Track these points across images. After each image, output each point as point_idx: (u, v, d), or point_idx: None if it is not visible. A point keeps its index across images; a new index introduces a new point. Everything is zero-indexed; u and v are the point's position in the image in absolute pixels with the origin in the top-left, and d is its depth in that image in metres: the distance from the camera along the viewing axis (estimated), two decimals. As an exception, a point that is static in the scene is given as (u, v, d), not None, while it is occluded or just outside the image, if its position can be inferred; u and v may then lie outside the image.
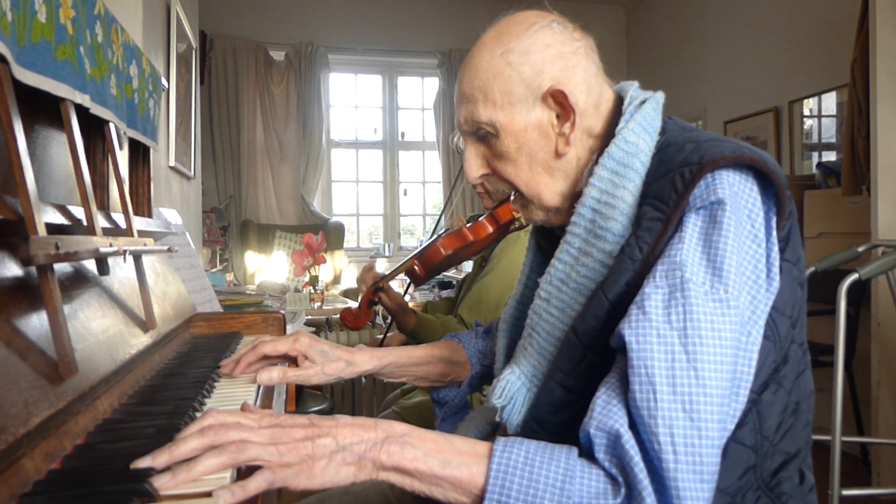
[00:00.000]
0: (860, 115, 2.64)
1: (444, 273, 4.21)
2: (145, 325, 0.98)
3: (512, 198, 0.87)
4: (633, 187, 0.74)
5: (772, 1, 3.82)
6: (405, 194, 5.38)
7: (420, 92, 5.44)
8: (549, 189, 0.81)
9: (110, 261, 0.86)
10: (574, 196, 0.80)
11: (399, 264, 1.78)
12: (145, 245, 1.03)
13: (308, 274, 3.15)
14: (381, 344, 2.09)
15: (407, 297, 1.88)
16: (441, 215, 2.71)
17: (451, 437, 0.67)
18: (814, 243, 3.04)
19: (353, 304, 1.95)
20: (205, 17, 4.17)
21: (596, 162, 0.77)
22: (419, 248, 1.76)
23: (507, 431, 0.81)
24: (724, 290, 0.64)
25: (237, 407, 0.72)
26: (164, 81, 1.46)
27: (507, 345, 0.95)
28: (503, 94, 0.78)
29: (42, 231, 0.66)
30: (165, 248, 1.17)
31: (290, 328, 1.66)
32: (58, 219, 0.77)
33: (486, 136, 0.81)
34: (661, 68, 5.04)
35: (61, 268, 0.79)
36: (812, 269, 2.11)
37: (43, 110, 0.86)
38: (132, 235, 1.03)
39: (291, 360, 1.01)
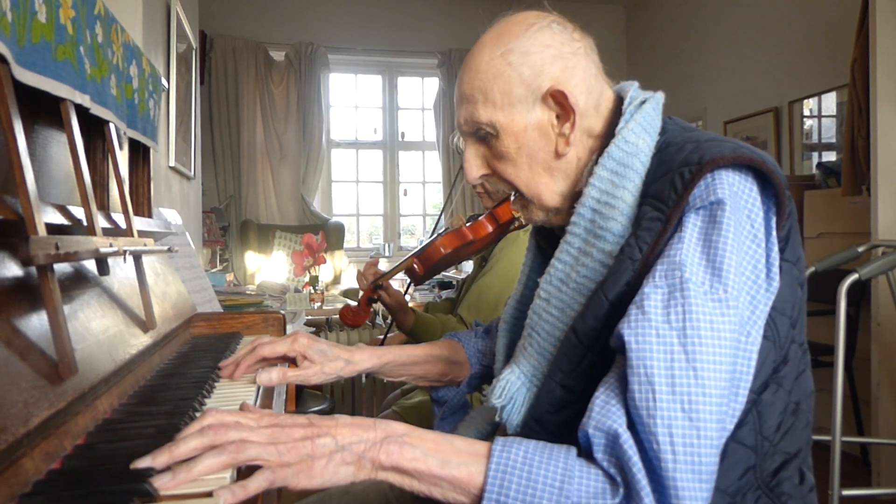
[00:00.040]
0: (860, 115, 2.64)
1: (444, 273, 4.22)
2: (145, 325, 0.99)
3: (512, 198, 0.87)
4: (633, 187, 0.74)
5: (772, 1, 3.82)
6: (405, 194, 5.38)
7: (420, 92, 5.44)
8: (549, 189, 0.81)
9: (110, 261, 0.86)
10: (574, 196, 0.80)
11: (399, 262, 1.78)
12: (145, 245, 1.03)
13: (308, 274, 3.16)
14: (381, 344, 2.09)
15: (407, 298, 1.88)
16: (441, 214, 2.71)
17: (451, 436, 0.67)
18: (814, 243, 3.04)
19: (353, 303, 1.96)
20: (205, 17, 4.17)
21: (596, 162, 0.77)
22: (419, 247, 1.76)
23: (507, 431, 0.81)
24: (723, 290, 0.64)
25: (237, 407, 0.72)
26: (164, 81, 1.46)
27: (507, 345, 0.95)
28: (503, 94, 0.78)
29: (42, 231, 0.66)
30: (165, 248, 1.17)
31: (290, 328, 1.66)
32: (58, 219, 0.77)
33: (486, 137, 0.81)
34: (661, 68, 5.04)
35: (61, 268, 0.79)
36: (812, 269, 2.11)
37: (43, 110, 0.86)
38: (132, 235, 1.03)
39: (291, 361, 1.01)
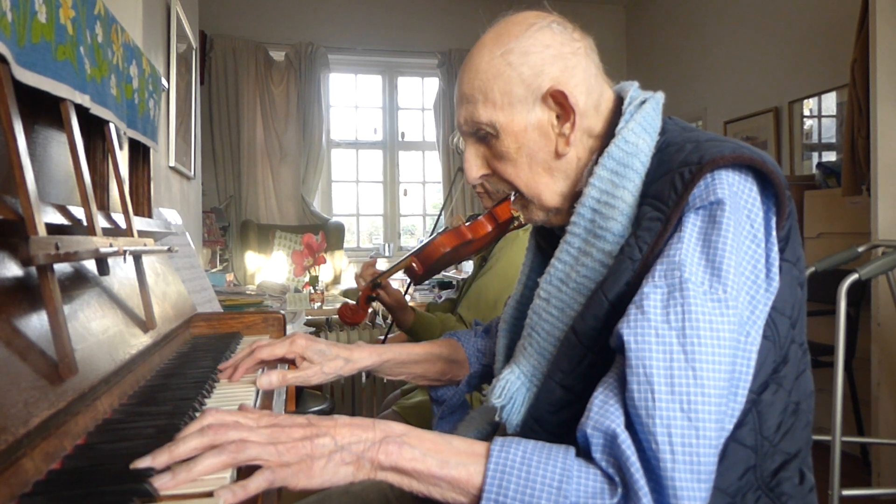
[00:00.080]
0: (860, 115, 2.64)
1: (444, 273, 4.23)
2: (145, 325, 0.99)
3: (512, 198, 0.87)
4: (633, 187, 0.74)
5: (772, 1, 3.82)
6: (405, 194, 5.38)
7: (420, 92, 5.44)
8: (550, 189, 0.81)
9: (110, 261, 0.86)
10: (574, 196, 0.80)
11: (398, 261, 1.78)
12: (145, 245, 1.03)
13: (308, 274, 3.16)
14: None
15: (407, 298, 1.88)
16: (441, 213, 2.71)
17: (449, 437, 0.67)
18: (814, 243, 3.04)
19: (352, 302, 1.95)
20: (205, 17, 4.17)
21: (596, 162, 0.77)
22: (418, 246, 1.76)
23: (507, 431, 0.81)
24: (722, 290, 0.64)
25: (237, 407, 0.72)
26: (164, 81, 1.46)
27: (507, 344, 0.95)
28: (503, 94, 0.78)
29: (42, 231, 0.66)
30: (165, 248, 1.17)
31: (290, 328, 1.66)
32: (58, 219, 0.77)
33: (486, 137, 0.81)
34: (661, 68, 5.04)
35: (61, 268, 0.79)
36: (812, 269, 2.11)
37: (43, 110, 0.86)
38: (132, 235, 1.03)
39: (290, 362, 1.01)
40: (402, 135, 5.38)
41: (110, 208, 1.16)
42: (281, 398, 1.11)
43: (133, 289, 1.01)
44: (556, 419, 0.74)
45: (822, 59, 3.43)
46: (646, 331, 0.63)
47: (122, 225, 1.02)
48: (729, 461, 0.68)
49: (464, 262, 3.86)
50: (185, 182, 3.02)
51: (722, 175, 0.68)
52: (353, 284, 4.19)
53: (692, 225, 0.67)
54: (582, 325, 0.72)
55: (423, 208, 5.46)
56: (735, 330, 0.64)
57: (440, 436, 0.67)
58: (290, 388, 1.35)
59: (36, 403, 0.58)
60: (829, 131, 3.68)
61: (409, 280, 1.84)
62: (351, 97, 5.32)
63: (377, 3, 5.05)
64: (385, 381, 3.22)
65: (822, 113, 3.71)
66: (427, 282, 4.11)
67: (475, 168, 0.84)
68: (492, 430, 0.99)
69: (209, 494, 0.55)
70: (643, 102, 0.79)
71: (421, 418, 1.76)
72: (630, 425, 0.61)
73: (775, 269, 0.69)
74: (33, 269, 0.68)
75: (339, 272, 4.75)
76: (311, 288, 3.14)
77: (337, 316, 1.85)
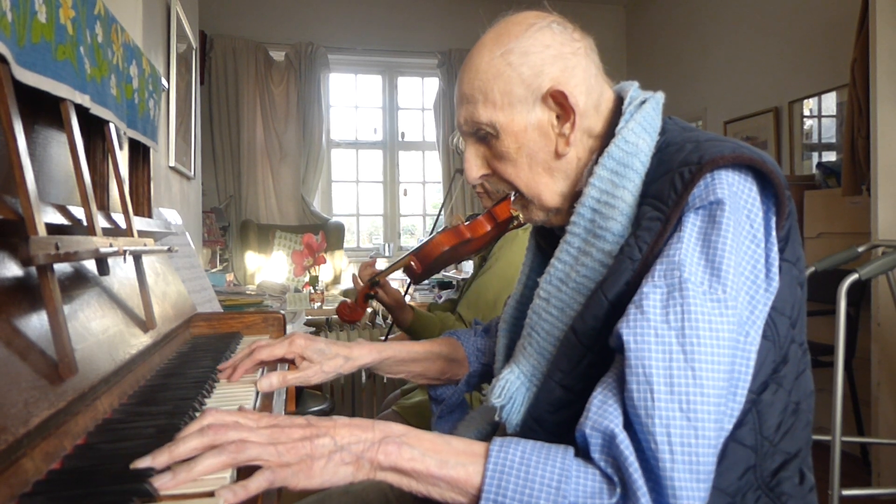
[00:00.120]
0: (860, 115, 2.64)
1: (444, 273, 4.23)
2: (145, 325, 0.99)
3: (512, 198, 0.87)
4: (633, 187, 0.74)
5: (772, 1, 3.82)
6: (405, 194, 5.38)
7: (420, 92, 5.44)
8: (550, 189, 0.82)
9: (110, 261, 0.86)
10: (574, 196, 0.80)
11: (396, 260, 1.78)
12: (145, 245, 1.03)
13: (308, 274, 3.16)
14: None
15: (407, 298, 1.88)
16: (441, 211, 2.70)
17: (449, 437, 0.67)
18: (814, 243, 3.04)
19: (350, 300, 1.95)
20: (205, 17, 4.17)
21: (596, 162, 0.77)
22: (417, 245, 1.76)
23: (507, 431, 0.81)
24: (722, 290, 0.64)
25: (237, 407, 0.72)
26: (164, 81, 1.46)
27: (507, 344, 0.95)
28: (503, 94, 0.78)
29: (42, 231, 0.66)
30: (165, 248, 1.17)
31: (290, 328, 1.66)
32: (58, 219, 0.77)
33: (486, 137, 0.81)
34: (661, 68, 5.04)
35: (61, 268, 0.79)
36: (812, 269, 2.11)
37: (43, 110, 0.86)
38: (132, 235, 1.03)
39: (290, 362, 1.01)
40: (402, 135, 5.38)
41: (110, 208, 1.16)
42: (281, 398, 1.11)
43: (133, 289, 1.01)
44: (555, 419, 0.74)
45: (822, 59, 3.43)
46: (645, 330, 0.63)
47: (122, 225, 1.02)
48: (729, 461, 0.68)
49: (464, 263, 3.86)
50: (185, 182, 3.02)
51: (722, 175, 0.68)
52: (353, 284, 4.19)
53: (692, 225, 0.67)
54: (581, 324, 0.72)
55: (423, 208, 5.46)
56: (734, 330, 0.64)
57: (439, 436, 0.67)
58: (289, 388, 1.35)
59: (36, 403, 0.58)
60: (829, 131, 3.68)
61: (408, 280, 1.84)
62: (351, 97, 5.32)
63: (377, 3, 5.05)
64: (385, 381, 3.21)
65: (822, 113, 3.71)
66: (427, 282, 4.12)
67: (475, 168, 0.84)
68: (491, 429, 0.99)
69: (210, 494, 0.55)
70: (643, 102, 0.79)
71: (421, 418, 1.76)
72: (629, 425, 0.61)
73: (775, 269, 0.69)
74: (33, 269, 0.68)
75: (339, 272, 4.75)
76: (311, 288, 3.14)
77: (336, 316, 1.85)
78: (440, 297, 3.80)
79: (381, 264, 1.85)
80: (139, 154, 1.36)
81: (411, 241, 5.42)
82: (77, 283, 0.83)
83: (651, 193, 0.72)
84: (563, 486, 0.60)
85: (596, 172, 0.76)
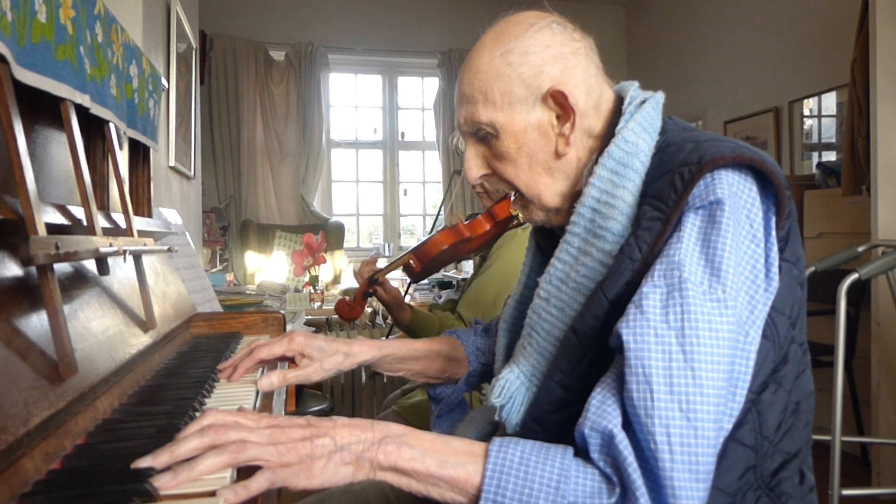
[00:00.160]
0: (860, 115, 2.64)
1: (444, 273, 4.23)
2: (145, 325, 0.99)
3: (512, 198, 0.87)
4: (633, 187, 0.74)
5: (772, 1, 3.82)
6: (405, 194, 5.38)
7: (420, 92, 5.44)
8: (550, 189, 0.82)
9: (110, 261, 0.86)
10: (574, 196, 0.80)
11: (396, 258, 1.78)
12: (145, 245, 1.03)
13: (308, 274, 3.16)
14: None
15: (407, 298, 1.88)
16: (440, 209, 2.71)
17: (448, 437, 0.67)
18: (814, 243, 3.05)
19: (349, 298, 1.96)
20: (205, 17, 4.17)
21: (596, 162, 0.77)
22: (416, 244, 1.76)
23: (506, 431, 0.81)
24: (721, 290, 0.64)
25: (237, 407, 0.72)
26: (164, 81, 1.46)
27: (507, 344, 0.95)
28: (503, 94, 0.78)
29: (42, 231, 0.66)
30: (165, 248, 1.17)
31: (290, 328, 1.66)
32: (58, 219, 0.77)
33: (486, 137, 0.81)
34: (661, 68, 5.04)
35: (61, 268, 0.79)
36: (812, 269, 2.11)
37: (43, 110, 0.86)
38: (132, 235, 1.03)
39: (290, 360, 1.01)
40: (402, 135, 5.38)
41: (110, 208, 1.16)
42: (281, 398, 1.11)
43: (133, 289, 1.01)
44: (555, 419, 0.74)
45: (822, 59, 3.43)
46: (645, 330, 0.63)
47: (122, 225, 1.02)
48: (729, 461, 0.68)
49: (463, 262, 3.86)
50: (185, 182, 3.02)
51: (722, 175, 0.68)
52: (353, 284, 4.19)
53: (692, 225, 0.68)
54: (581, 324, 0.72)
55: (422, 208, 5.46)
56: (734, 330, 0.64)
57: (439, 436, 0.67)
58: (289, 388, 1.35)
59: (36, 403, 0.58)
60: (829, 131, 3.68)
61: (408, 279, 1.84)
62: (351, 97, 5.32)
63: (377, 3, 5.05)
64: (385, 380, 3.21)
65: (822, 113, 3.71)
66: (427, 282, 4.12)
67: (475, 168, 0.84)
68: (491, 429, 0.99)
69: (211, 494, 0.55)
70: (643, 102, 0.79)
71: (421, 418, 1.76)
72: (628, 425, 0.61)
73: (775, 269, 0.69)
74: (33, 269, 0.68)
75: (339, 272, 4.75)
76: (311, 288, 3.14)
77: (337, 316, 1.85)
78: (440, 297, 3.80)
79: (382, 264, 1.85)
80: (139, 154, 1.36)
81: (411, 241, 5.42)
82: (77, 282, 0.83)
83: (651, 193, 0.72)
84: (563, 485, 0.60)
85: (596, 172, 0.76)
